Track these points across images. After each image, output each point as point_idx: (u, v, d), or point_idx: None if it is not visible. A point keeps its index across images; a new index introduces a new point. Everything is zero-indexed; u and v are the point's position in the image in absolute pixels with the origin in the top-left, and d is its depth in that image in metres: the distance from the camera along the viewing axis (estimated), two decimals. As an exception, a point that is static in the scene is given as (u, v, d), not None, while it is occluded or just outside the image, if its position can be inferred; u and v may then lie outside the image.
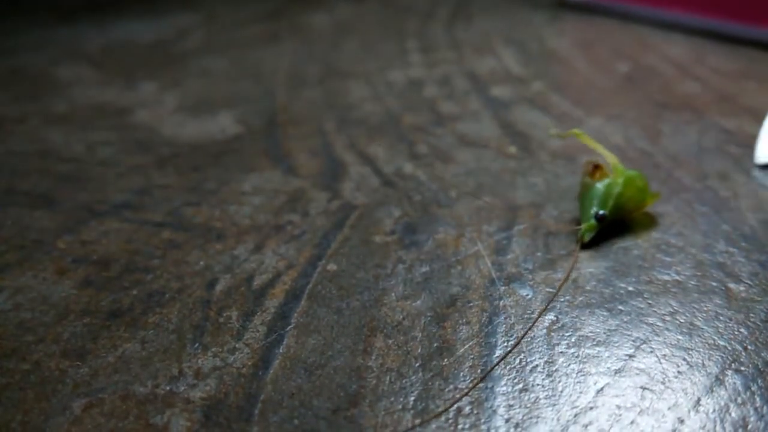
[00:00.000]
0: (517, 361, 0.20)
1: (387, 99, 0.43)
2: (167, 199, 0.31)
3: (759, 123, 0.36)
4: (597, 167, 0.26)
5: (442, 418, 0.18)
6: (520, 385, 0.19)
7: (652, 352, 0.20)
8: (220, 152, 0.36)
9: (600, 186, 0.26)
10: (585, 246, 0.26)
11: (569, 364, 0.20)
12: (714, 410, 0.18)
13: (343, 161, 0.34)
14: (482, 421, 0.18)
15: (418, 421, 0.18)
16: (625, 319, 0.22)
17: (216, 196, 0.31)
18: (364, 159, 0.34)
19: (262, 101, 0.44)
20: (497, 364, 0.20)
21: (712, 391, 0.19)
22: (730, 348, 0.20)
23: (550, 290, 0.23)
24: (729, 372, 0.19)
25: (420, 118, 0.39)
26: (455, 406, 0.19)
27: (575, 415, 0.18)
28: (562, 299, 0.23)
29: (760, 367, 0.20)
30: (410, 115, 0.40)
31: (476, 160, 0.33)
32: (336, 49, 0.56)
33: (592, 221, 0.25)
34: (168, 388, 0.20)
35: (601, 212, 0.25)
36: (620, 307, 0.22)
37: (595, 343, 0.21)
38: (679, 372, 0.20)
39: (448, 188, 0.31)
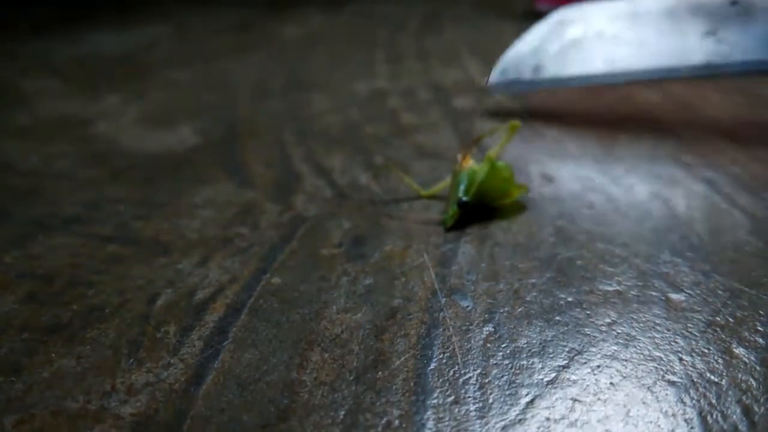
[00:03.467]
0: (451, 373, 0.20)
1: (349, 110, 0.43)
2: (117, 212, 0.31)
3: (718, 132, 0.36)
4: (464, 159, 0.28)
5: (371, 433, 0.18)
6: (452, 398, 0.19)
7: (585, 363, 0.20)
8: (176, 164, 0.36)
9: (465, 174, 0.28)
10: (449, 229, 0.27)
11: (502, 376, 0.20)
12: (644, 422, 0.18)
13: (298, 173, 0.34)
14: (410, 434, 0.18)
15: (345, 436, 0.18)
16: (562, 330, 0.22)
17: (167, 209, 0.31)
18: (320, 170, 0.34)
19: (223, 112, 0.44)
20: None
21: (644, 402, 0.19)
22: (665, 359, 0.20)
23: (492, 302, 0.23)
24: (662, 383, 0.19)
25: (380, 129, 0.39)
26: (385, 419, 0.19)
27: (503, 428, 0.18)
28: (501, 310, 0.23)
29: (693, 378, 0.20)
30: (370, 126, 0.40)
31: (432, 171, 0.33)
32: (304, 61, 0.56)
33: (455, 207, 0.27)
34: (99, 404, 0.20)
35: (464, 198, 0.27)
36: (558, 318, 0.22)
37: (529, 354, 0.21)
38: (611, 383, 0.19)
39: (401, 200, 0.31)
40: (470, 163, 0.29)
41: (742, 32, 0.32)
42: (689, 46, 0.33)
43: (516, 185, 0.29)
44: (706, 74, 0.34)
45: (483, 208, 0.29)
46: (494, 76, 0.39)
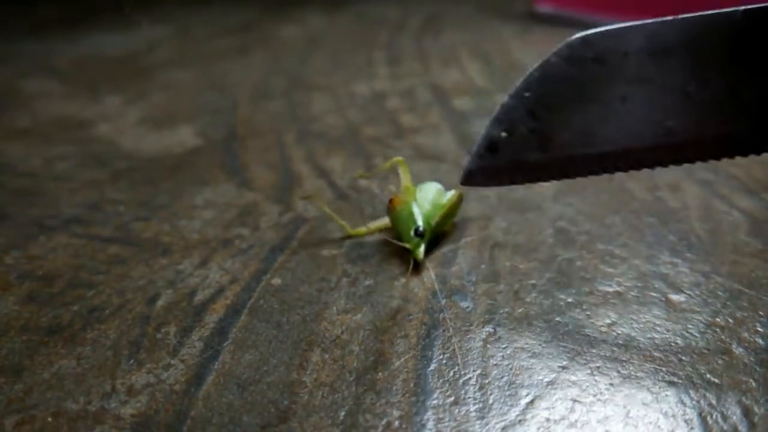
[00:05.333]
0: (451, 373, 0.20)
1: (349, 111, 0.43)
2: (118, 213, 0.31)
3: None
4: (394, 199, 0.27)
5: (371, 433, 0.18)
6: (452, 398, 0.19)
7: (585, 363, 0.20)
8: (177, 166, 0.36)
9: (403, 211, 0.26)
10: (418, 263, 0.26)
11: (502, 377, 0.20)
12: (643, 423, 0.18)
13: (299, 174, 0.34)
14: (410, 435, 0.18)
15: (346, 437, 0.18)
16: (562, 331, 0.22)
17: (167, 210, 0.31)
18: (320, 172, 0.34)
19: (224, 114, 0.44)
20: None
21: (643, 403, 0.19)
22: (665, 359, 0.20)
23: (492, 303, 0.23)
24: (662, 384, 0.19)
25: (380, 131, 0.40)
26: (385, 420, 0.19)
27: (503, 428, 0.18)
28: (501, 311, 0.23)
29: (693, 379, 0.20)
30: (370, 128, 0.40)
31: (432, 173, 0.34)
32: (304, 62, 0.56)
33: (415, 239, 0.25)
34: (100, 404, 0.20)
35: (419, 228, 0.26)
36: (558, 319, 0.22)
37: (529, 354, 0.21)
38: (611, 384, 0.20)
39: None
40: (402, 202, 0.27)
41: None
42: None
43: (451, 195, 0.28)
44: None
45: (438, 232, 0.27)
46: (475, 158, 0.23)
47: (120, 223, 0.30)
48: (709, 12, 0.23)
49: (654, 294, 0.23)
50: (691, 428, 0.18)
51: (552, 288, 0.24)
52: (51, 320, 0.24)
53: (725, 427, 0.18)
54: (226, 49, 0.62)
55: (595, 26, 0.24)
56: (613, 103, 0.23)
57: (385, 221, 0.28)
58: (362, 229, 0.28)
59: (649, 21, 0.23)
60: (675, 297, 0.23)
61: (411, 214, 0.26)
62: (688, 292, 0.23)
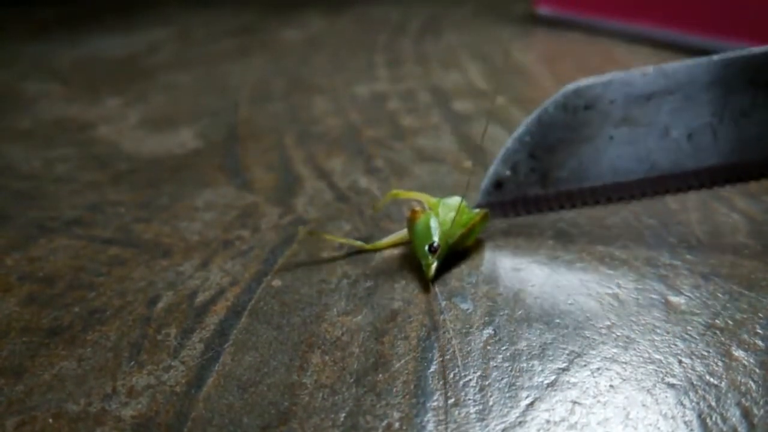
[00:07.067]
0: (452, 375, 0.20)
1: (350, 113, 0.43)
2: (118, 215, 0.31)
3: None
4: (414, 212, 0.26)
5: (371, 435, 0.18)
6: (452, 400, 0.19)
7: (585, 365, 0.20)
8: (177, 167, 0.36)
9: (420, 224, 0.25)
10: (434, 280, 0.25)
11: (503, 378, 0.20)
12: (643, 424, 0.18)
13: (299, 176, 0.34)
14: (410, 437, 0.18)
15: (346, 438, 0.18)
16: (562, 333, 0.22)
17: (167, 211, 0.31)
18: (320, 173, 0.34)
19: (224, 115, 0.44)
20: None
21: (643, 405, 0.19)
22: (664, 361, 0.20)
23: (491, 304, 0.23)
24: (661, 386, 0.19)
25: (380, 132, 0.40)
26: (385, 421, 0.19)
27: (503, 430, 0.18)
28: (501, 313, 0.23)
29: (693, 381, 0.20)
30: (371, 129, 0.40)
31: (431, 175, 0.34)
32: (305, 64, 0.56)
33: (428, 256, 0.25)
34: (100, 406, 0.20)
35: (434, 243, 0.25)
36: (558, 321, 0.22)
37: (529, 356, 0.21)
38: (611, 386, 0.20)
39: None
40: (421, 215, 0.26)
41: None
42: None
43: (476, 212, 0.27)
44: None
45: (454, 251, 0.26)
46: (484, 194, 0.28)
47: (120, 225, 0.30)
48: (687, 61, 0.26)
49: (654, 296, 0.23)
50: (691, 430, 0.18)
51: (552, 290, 0.24)
52: (52, 321, 0.24)
53: (725, 429, 0.18)
54: (226, 51, 0.62)
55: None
56: (603, 142, 0.26)
57: (403, 233, 0.27)
58: (380, 243, 0.27)
59: (631, 71, 0.26)
60: (675, 299, 0.23)
61: (428, 229, 0.25)
62: (687, 294, 0.24)
